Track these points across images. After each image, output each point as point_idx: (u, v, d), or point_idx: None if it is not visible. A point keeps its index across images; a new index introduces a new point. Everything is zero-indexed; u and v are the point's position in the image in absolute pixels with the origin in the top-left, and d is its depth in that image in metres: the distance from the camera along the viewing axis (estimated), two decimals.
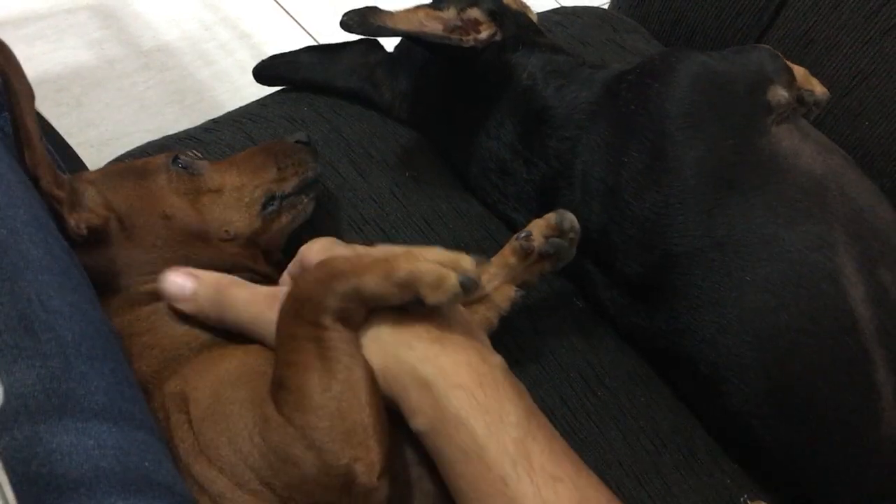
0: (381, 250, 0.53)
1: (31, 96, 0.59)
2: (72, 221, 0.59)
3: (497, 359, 0.53)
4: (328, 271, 0.51)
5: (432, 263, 0.50)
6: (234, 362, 0.54)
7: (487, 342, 0.55)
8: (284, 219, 0.70)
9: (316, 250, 0.56)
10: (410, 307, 0.51)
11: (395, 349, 0.50)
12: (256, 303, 0.56)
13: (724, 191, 0.70)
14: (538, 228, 0.68)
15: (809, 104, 0.78)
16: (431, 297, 0.49)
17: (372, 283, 0.50)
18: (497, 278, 0.68)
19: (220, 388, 0.53)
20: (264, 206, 0.69)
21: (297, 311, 0.51)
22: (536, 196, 0.80)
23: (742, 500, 0.73)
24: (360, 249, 0.56)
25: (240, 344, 0.57)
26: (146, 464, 0.47)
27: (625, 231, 0.73)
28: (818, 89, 0.79)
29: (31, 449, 0.44)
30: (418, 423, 0.49)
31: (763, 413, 0.70)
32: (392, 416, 0.51)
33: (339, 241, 0.58)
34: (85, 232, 0.60)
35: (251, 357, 0.55)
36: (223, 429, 0.51)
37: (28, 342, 0.46)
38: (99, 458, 0.45)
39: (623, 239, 0.73)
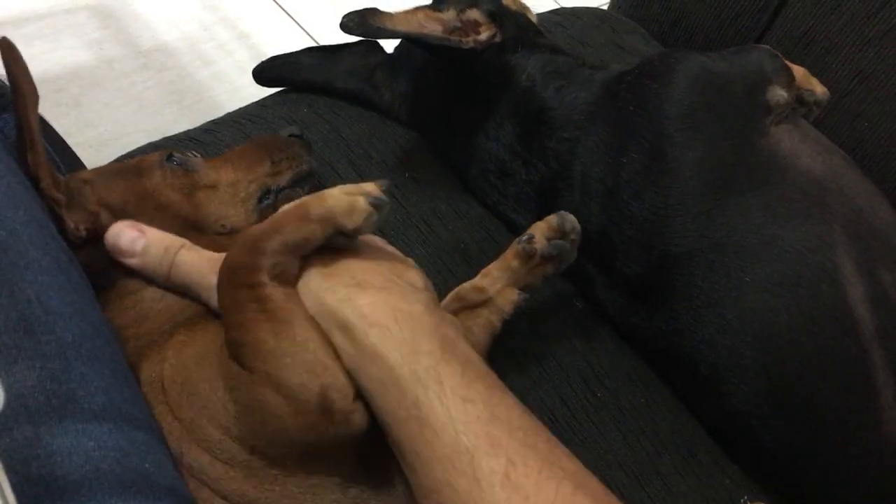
0: (286, 206, 0.56)
1: (36, 98, 0.59)
2: (70, 223, 0.60)
3: (420, 295, 0.54)
4: (252, 236, 0.53)
5: (340, 194, 0.53)
6: (197, 345, 0.56)
7: (430, 286, 0.57)
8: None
9: None
10: (336, 242, 0.54)
11: (320, 295, 0.52)
12: (201, 267, 0.58)
13: (723, 191, 0.70)
14: (540, 231, 0.68)
15: (810, 104, 0.78)
16: (349, 223, 0.53)
17: (293, 229, 0.52)
18: (500, 282, 0.68)
19: (188, 372, 0.54)
20: (260, 200, 0.69)
21: (233, 278, 0.53)
22: (536, 197, 0.80)
23: (742, 500, 0.73)
24: None
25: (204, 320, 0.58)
26: (146, 465, 0.47)
27: (624, 232, 0.73)
28: (818, 89, 0.79)
29: (32, 450, 0.44)
30: (344, 362, 0.51)
31: (763, 413, 0.70)
32: None
33: None
34: (84, 234, 0.60)
35: (210, 336, 0.56)
36: (200, 408, 0.52)
37: (28, 343, 0.46)
38: (99, 460, 0.45)
39: (622, 239, 0.74)
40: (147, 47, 1.74)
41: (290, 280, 0.53)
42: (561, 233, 0.68)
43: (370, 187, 0.55)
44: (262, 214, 0.69)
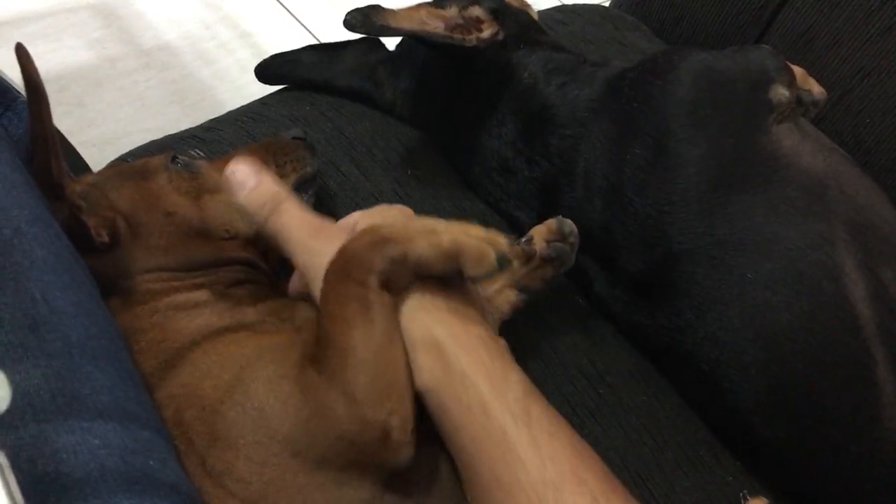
0: (424, 222, 0.56)
1: (48, 102, 0.59)
2: (92, 230, 0.60)
3: (503, 341, 0.56)
4: (379, 235, 0.53)
5: (474, 238, 0.54)
6: (250, 345, 0.56)
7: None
8: None
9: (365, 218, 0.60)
10: (446, 277, 0.55)
11: (414, 312, 0.53)
12: (303, 226, 0.59)
13: (725, 189, 0.71)
14: (539, 233, 0.69)
15: (807, 104, 0.78)
16: (471, 270, 0.53)
17: (419, 250, 0.53)
18: (498, 282, 0.68)
19: (240, 371, 0.54)
20: None
21: (346, 269, 0.53)
22: (538, 194, 0.80)
23: (741, 495, 0.73)
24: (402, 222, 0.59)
25: (242, 328, 0.59)
26: (151, 463, 0.47)
27: (627, 228, 0.73)
28: (816, 89, 0.79)
29: (38, 448, 0.44)
30: (424, 379, 0.52)
31: (764, 410, 0.70)
32: None
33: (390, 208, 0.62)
34: (107, 239, 0.61)
35: (265, 339, 0.57)
36: (246, 409, 0.52)
37: (33, 342, 0.47)
38: (104, 458, 0.45)
39: (625, 236, 0.74)
40: (149, 46, 1.74)
41: (398, 289, 0.53)
42: (560, 235, 0.69)
43: (501, 242, 0.55)
44: None
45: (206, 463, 0.52)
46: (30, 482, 0.43)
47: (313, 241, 0.57)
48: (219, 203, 0.66)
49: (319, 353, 0.52)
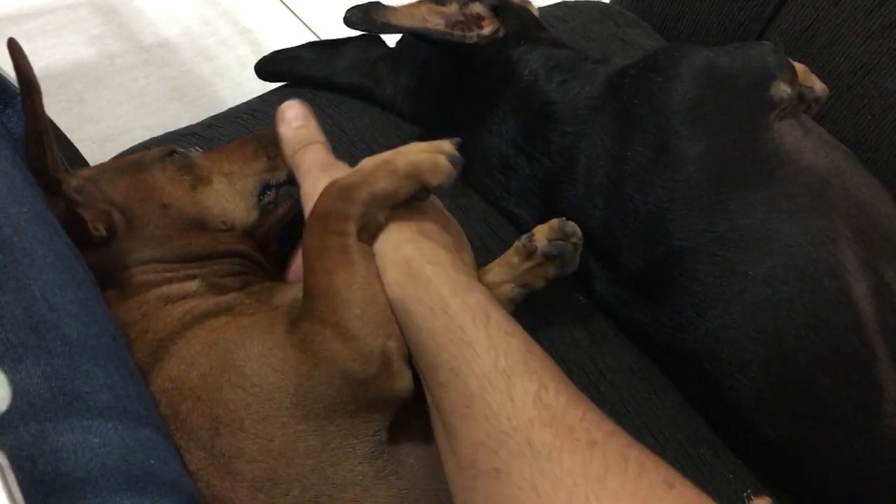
0: (371, 159, 0.59)
1: (41, 97, 0.59)
2: (89, 223, 0.60)
3: (472, 261, 0.61)
4: (343, 185, 0.56)
5: (423, 152, 0.58)
6: (231, 329, 0.57)
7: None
8: (281, 209, 0.70)
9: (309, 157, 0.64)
10: (416, 197, 0.58)
11: (387, 236, 0.57)
12: (318, 161, 0.63)
13: (726, 186, 0.70)
14: (541, 231, 0.69)
15: (809, 101, 0.78)
16: (433, 180, 0.57)
17: (382, 183, 0.56)
18: (498, 277, 0.68)
19: (228, 356, 0.55)
20: (260, 197, 0.69)
21: (323, 225, 0.55)
22: (539, 192, 0.80)
23: (745, 494, 0.73)
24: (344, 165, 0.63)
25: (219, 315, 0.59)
26: (152, 461, 0.47)
27: (628, 226, 0.73)
28: (818, 86, 0.79)
29: (38, 447, 0.44)
30: (392, 291, 0.55)
31: (765, 408, 0.70)
32: None
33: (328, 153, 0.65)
34: (104, 233, 0.61)
35: (244, 320, 0.58)
36: (246, 389, 0.53)
37: (33, 340, 0.46)
38: (105, 457, 0.45)
39: (626, 234, 0.74)
40: (149, 43, 1.74)
41: (374, 230, 0.57)
42: (562, 234, 0.69)
43: (446, 146, 0.59)
44: (264, 211, 0.69)
45: (214, 452, 0.52)
46: (30, 481, 0.43)
47: (320, 171, 0.61)
48: (215, 194, 0.67)
49: (308, 306, 0.54)
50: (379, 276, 0.55)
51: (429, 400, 0.54)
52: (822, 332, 0.67)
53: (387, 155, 0.58)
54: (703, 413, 0.77)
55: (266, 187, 0.69)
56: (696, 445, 0.75)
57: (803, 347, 0.68)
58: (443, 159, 0.58)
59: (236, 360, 0.54)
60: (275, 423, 0.52)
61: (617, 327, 0.80)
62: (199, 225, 0.65)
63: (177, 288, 0.61)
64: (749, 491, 0.73)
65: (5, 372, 0.44)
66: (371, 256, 0.56)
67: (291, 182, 0.70)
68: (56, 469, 0.44)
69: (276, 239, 0.72)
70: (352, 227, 0.55)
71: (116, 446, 0.46)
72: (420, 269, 0.54)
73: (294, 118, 0.66)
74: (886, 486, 0.68)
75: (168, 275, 0.62)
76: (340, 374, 0.52)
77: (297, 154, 0.64)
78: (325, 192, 0.57)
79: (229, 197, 0.67)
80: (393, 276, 0.55)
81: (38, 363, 0.46)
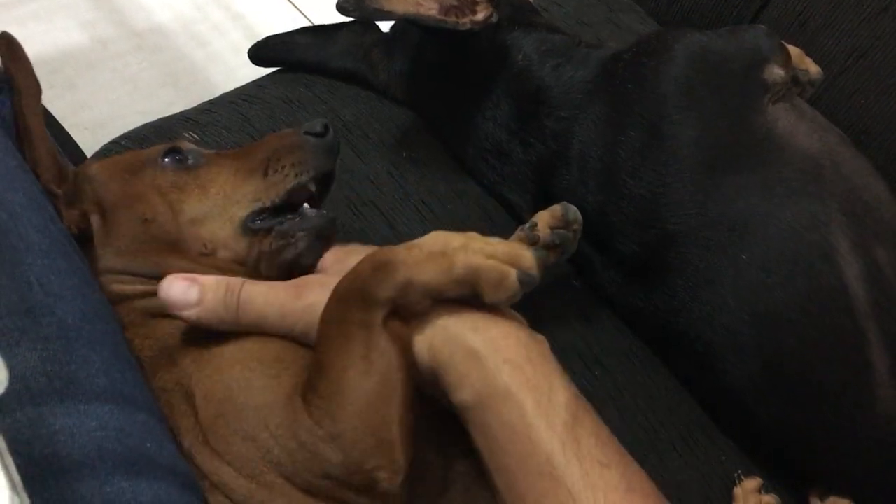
0: (432, 242, 0.50)
1: (38, 93, 0.59)
2: (65, 220, 0.57)
3: (541, 337, 0.52)
4: (381, 260, 0.49)
5: (493, 261, 0.49)
6: (237, 370, 0.52)
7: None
8: (274, 245, 0.60)
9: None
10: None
11: (444, 319, 0.50)
12: (278, 296, 0.53)
13: (720, 169, 0.71)
14: (543, 220, 0.67)
15: (804, 84, 0.78)
16: (490, 296, 0.49)
17: (427, 276, 0.49)
18: None
19: (232, 393, 0.51)
20: (253, 220, 0.60)
21: (348, 298, 0.49)
22: (533, 177, 0.80)
23: (736, 475, 0.73)
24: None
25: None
26: (148, 445, 0.47)
27: (622, 210, 0.73)
28: (812, 69, 0.79)
29: (35, 431, 0.44)
30: (464, 395, 0.48)
31: (758, 390, 0.71)
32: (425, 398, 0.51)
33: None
34: (75, 231, 0.58)
35: (252, 343, 0.54)
36: (238, 427, 0.50)
37: (29, 325, 0.47)
38: (101, 440, 0.45)
39: (620, 218, 0.74)
40: (141, 28, 1.73)
41: (414, 312, 0.50)
42: (564, 222, 0.68)
43: (527, 258, 0.51)
44: (253, 237, 0.60)
45: (195, 461, 0.50)
46: (28, 465, 0.43)
47: (298, 302, 0.53)
48: (202, 209, 0.60)
49: (312, 382, 0.49)
50: (394, 394, 0.47)
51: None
52: (815, 314, 0.68)
53: (453, 243, 0.50)
54: (697, 396, 0.77)
55: (261, 210, 0.60)
56: (690, 428, 0.75)
57: (795, 330, 0.68)
58: (513, 276, 0.49)
59: (238, 400, 0.51)
60: (255, 465, 0.49)
61: (612, 311, 0.80)
62: (179, 247, 0.59)
63: (157, 303, 0.55)
64: (739, 472, 0.73)
65: (2, 356, 0.44)
66: (394, 368, 0.48)
67: (288, 201, 0.61)
68: (53, 452, 0.44)
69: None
70: (378, 317, 0.48)
71: (113, 429, 0.46)
72: (497, 374, 0.47)
73: (184, 292, 0.53)
74: (878, 466, 0.69)
75: (142, 288, 0.57)
76: (323, 471, 0.48)
77: (241, 314, 0.53)
78: (362, 263, 0.50)
79: (214, 216, 0.60)
80: (465, 378, 0.48)
81: (35, 348, 0.46)
